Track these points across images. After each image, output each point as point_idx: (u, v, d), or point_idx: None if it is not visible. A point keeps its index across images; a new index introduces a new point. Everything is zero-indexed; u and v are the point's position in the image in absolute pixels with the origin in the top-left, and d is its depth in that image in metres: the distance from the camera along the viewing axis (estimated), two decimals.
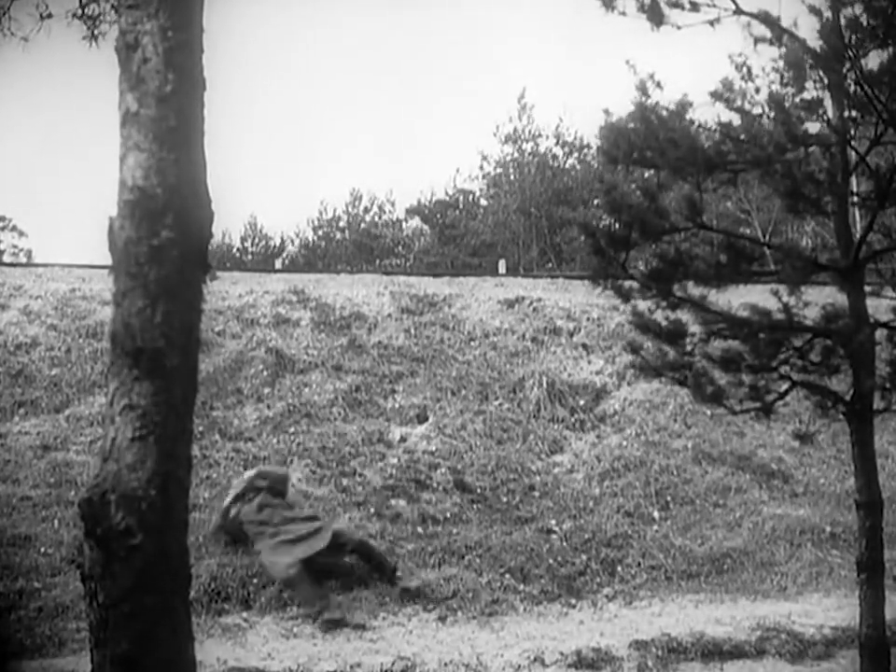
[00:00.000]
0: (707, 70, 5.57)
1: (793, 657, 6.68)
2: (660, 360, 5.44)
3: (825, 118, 5.10)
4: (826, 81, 5.01)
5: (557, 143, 34.92)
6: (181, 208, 2.11)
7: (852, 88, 5.05)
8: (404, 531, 8.49)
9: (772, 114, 5.05)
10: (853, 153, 5.25)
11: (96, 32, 5.12)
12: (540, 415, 10.73)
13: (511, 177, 34.54)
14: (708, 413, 10.46)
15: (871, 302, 5.27)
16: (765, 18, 5.00)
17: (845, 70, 4.99)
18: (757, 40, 5.04)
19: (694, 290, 5.33)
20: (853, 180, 5.89)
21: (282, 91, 58.33)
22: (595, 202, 26.66)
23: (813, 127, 5.16)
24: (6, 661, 6.41)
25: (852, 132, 5.29)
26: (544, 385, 11.03)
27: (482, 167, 36.06)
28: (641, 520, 9.12)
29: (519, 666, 6.40)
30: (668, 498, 9.49)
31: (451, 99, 56.90)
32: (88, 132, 54.37)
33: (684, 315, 5.43)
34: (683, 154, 5.08)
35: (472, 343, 11.89)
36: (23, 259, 31.47)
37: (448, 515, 8.81)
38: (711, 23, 5.13)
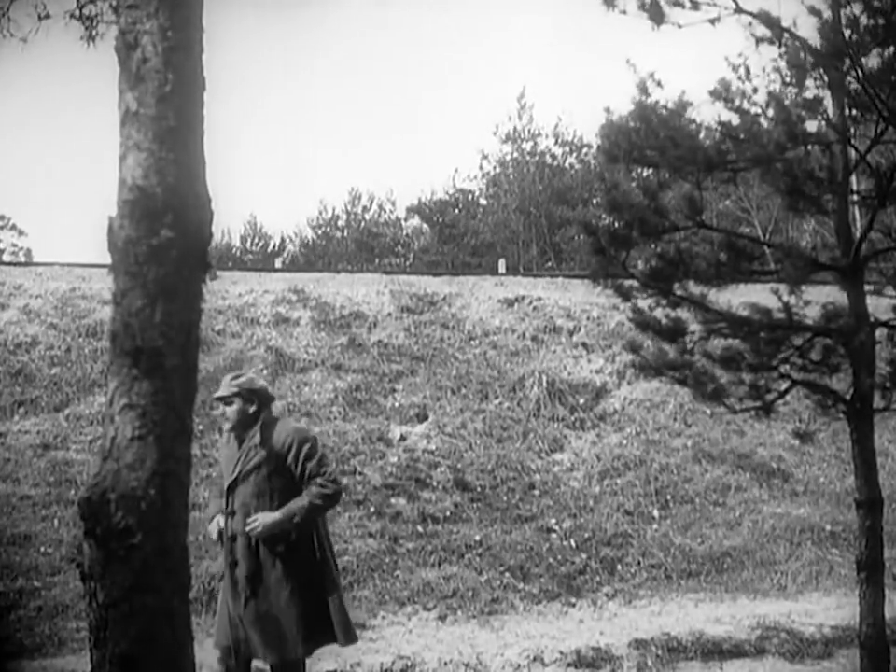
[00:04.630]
0: (708, 68, 5.58)
1: (793, 656, 6.69)
2: (660, 359, 5.43)
3: (825, 116, 5.10)
4: (826, 80, 5.00)
5: (557, 142, 35.00)
6: (181, 207, 2.10)
7: (853, 86, 5.04)
8: (404, 530, 8.49)
9: (771, 113, 5.05)
10: (853, 152, 5.25)
11: (94, 32, 5.11)
12: (540, 414, 10.74)
13: (511, 177, 34.59)
14: (708, 411, 10.47)
15: (871, 301, 5.27)
16: (765, 17, 4.99)
17: (845, 69, 4.99)
18: (757, 39, 5.03)
19: (695, 289, 5.33)
20: (853, 179, 5.89)
21: (282, 91, 58.38)
22: (595, 201, 26.67)
23: (812, 126, 5.16)
24: (6, 660, 6.40)
25: (852, 130, 5.29)
26: (544, 383, 11.03)
27: (481, 166, 36.18)
28: (641, 519, 9.12)
29: (519, 665, 6.40)
30: (668, 497, 9.50)
31: (451, 98, 56.94)
32: (87, 131, 54.40)
33: (684, 314, 5.43)
34: (683, 153, 5.08)
35: (472, 342, 11.89)
36: (23, 258, 31.47)
37: (448, 514, 8.82)
38: (712, 22, 5.13)
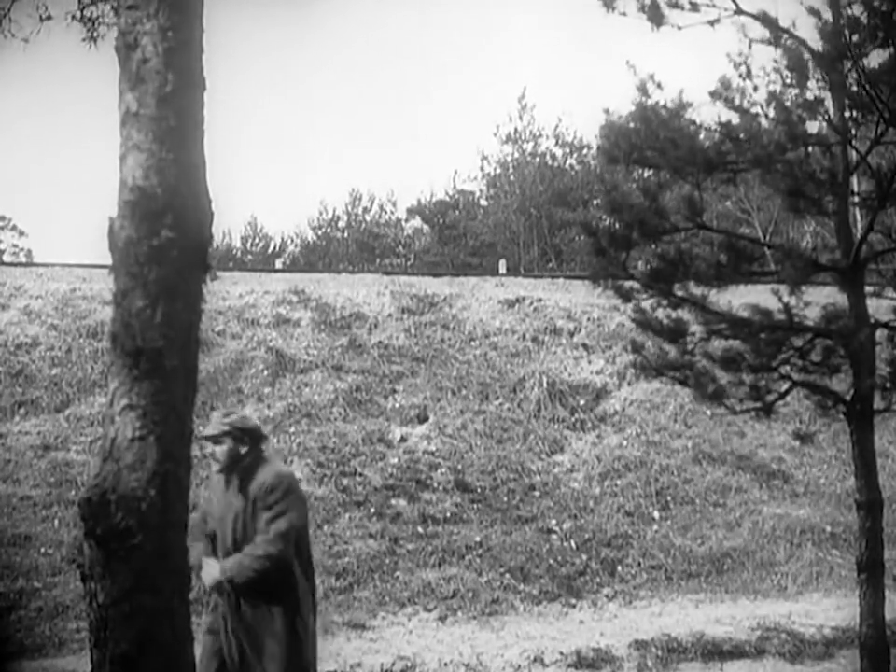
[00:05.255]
0: (708, 70, 5.58)
1: (793, 657, 6.68)
2: (661, 360, 5.44)
3: (826, 117, 5.10)
4: (827, 81, 5.00)
5: (557, 143, 34.98)
6: (181, 208, 2.10)
7: (853, 87, 5.04)
8: (404, 531, 8.49)
9: (771, 113, 5.05)
10: (854, 153, 5.25)
11: (95, 34, 5.12)
12: (541, 415, 10.73)
13: (511, 177, 34.56)
14: (709, 412, 10.47)
15: (871, 302, 5.27)
16: (765, 18, 5.00)
17: (845, 70, 4.99)
18: (756, 41, 5.04)
19: (695, 290, 5.33)
20: (854, 180, 5.89)
21: (282, 91, 58.40)
22: (595, 202, 26.66)
23: (813, 126, 5.17)
24: (6, 661, 6.40)
25: (853, 131, 5.29)
26: (544, 384, 11.03)
27: (482, 167, 36.14)
28: (641, 520, 9.12)
29: (519, 666, 6.40)
30: (668, 498, 9.50)
31: (451, 99, 56.95)
32: (88, 132, 54.45)
33: (685, 315, 5.43)
34: (683, 154, 5.08)
35: (473, 343, 11.89)
36: (23, 259, 31.50)
37: (448, 515, 8.81)
38: (711, 24, 5.13)
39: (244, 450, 4.23)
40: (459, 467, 9.59)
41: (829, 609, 7.53)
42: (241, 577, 4.06)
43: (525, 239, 32.86)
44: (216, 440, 4.22)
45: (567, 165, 35.00)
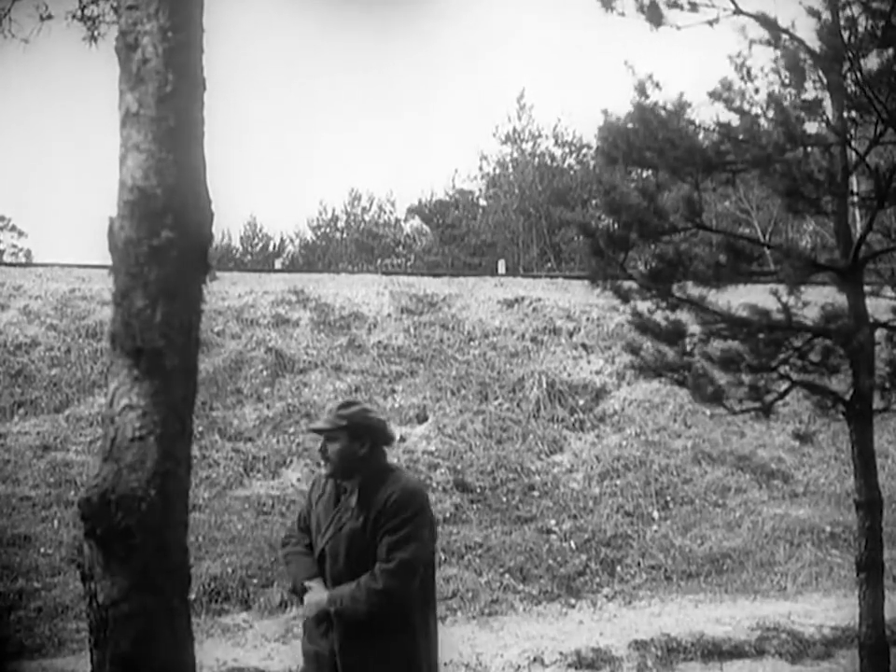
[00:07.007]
0: (707, 70, 5.59)
1: (793, 657, 6.68)
2: (659, 361, 5.44)
3: (825, 118, 5.11)
4: (826, 82, 5.01)
5: (556, 143, 35.04)
6: (181, 208, 2.10)
7: (852, 88, 5.05)
8: None
9: (770, 114, 5.06)
10: (852, 153, 5.26)
11: (96, 33, 5.12)
12: (540, 415, 10.74)
13: (511, 177, 34.61)
14: (708, 413, 10.47)
15: (870, 302, 5.28)
16: (764, 19, 5.00)
17: (844, 70, 5.00)
18: (755, 41, 5.04)
19: (694, 290, 5.33)
20: (852, 180, 5.90)
21: (282, 91, 58.41)
22: (594, 202, 26.66)
23: (812, 127, 5.18)
24: (6, 661, 6.40)
25: (852, 132, 5.29)
26: (544, 384, 11.04)
27: (481, 167, 36.22)
28: (641, 520, 9.12)
29: (519, 666, 6.40)
30: (668, 498, 9.50)
31: (451, 99, 56.98)
32: (87, 132, 54.45)
33: (683, 316, 5.44)
34: (682, 154, 5.08)
35: (472, 343, 11.89)
36: (23, 259, 31.52)
37: (448, 515, 8.82)
38: (710, 24, 5.14)
39: (362, 451, 3.50)
40: (459, 467, 9.60)
41: (829, 609, 7.53)
42: (350, 611, 3.40)
43: (525, 239, 32.90)
44: (328, 435, 3.51)
45: (566, 165, 35.06)
